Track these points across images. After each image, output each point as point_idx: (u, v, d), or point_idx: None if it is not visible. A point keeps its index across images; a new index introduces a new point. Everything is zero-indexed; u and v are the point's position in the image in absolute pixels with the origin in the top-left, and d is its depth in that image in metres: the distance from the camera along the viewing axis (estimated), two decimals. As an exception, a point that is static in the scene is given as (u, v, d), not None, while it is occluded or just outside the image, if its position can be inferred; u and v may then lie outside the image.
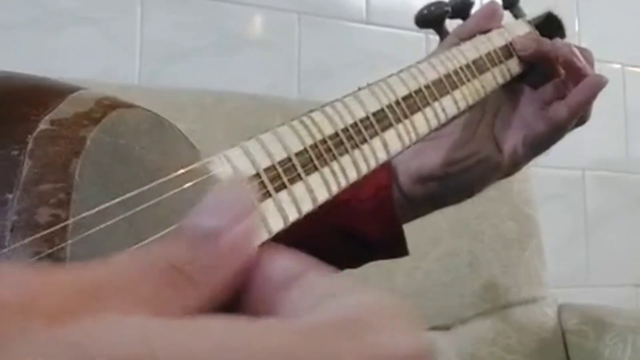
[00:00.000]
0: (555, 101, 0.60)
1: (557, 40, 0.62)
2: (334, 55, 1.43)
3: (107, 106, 0.24)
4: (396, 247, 0.61)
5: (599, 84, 0.59)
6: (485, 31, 0.61)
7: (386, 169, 0.59)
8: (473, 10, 0.64)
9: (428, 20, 0.62)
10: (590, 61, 0.61)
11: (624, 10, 1.80)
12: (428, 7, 0.62)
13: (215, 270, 0.18)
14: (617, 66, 1.78)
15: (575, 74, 0.59)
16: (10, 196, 0.20)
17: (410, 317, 0.17)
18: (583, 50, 0.61)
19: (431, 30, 0.65)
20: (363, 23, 1.47)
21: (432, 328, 1.25)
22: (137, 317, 0.16)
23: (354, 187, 0.52)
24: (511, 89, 0.62)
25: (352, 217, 0.59)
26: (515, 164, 0.62)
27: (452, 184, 0.60)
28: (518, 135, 0.61)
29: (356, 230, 0.59)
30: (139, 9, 1.26)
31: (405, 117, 0.46)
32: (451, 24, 0.63)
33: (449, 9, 0.62)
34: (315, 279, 0.19)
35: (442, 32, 0.62)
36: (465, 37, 0.60)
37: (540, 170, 1.56)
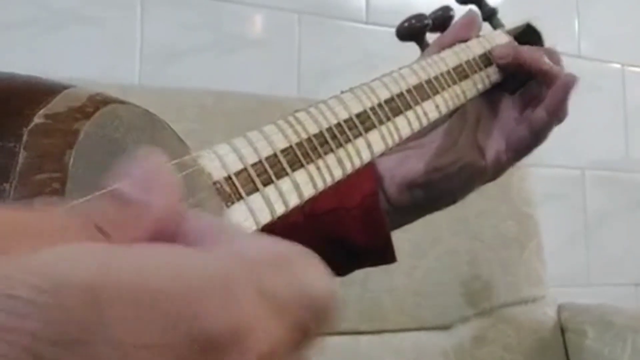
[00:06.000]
0: (533, 105, 0.62)
1: (530, 47, 0.64)
2: (334, 55, 1.43)
3: (100, 101, 0.25)
4: (384, 254, 0.62)
5: (570, 82, 0.61)
6: (464, 40, 0.62)
7: (372, 177, 0.61)
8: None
9: (409, 33, 0.63)
10: (555, 60, 0.63)
11: (624, 10, 1.80)
12: (409, 20, 0.63)
13: (131, 228, 0.19)
14: (617, 66, 1.78)
15: (547, 78, 0.61)
16: (6, 186, 0.21)
17: (324, 266, 0.21)
18: (550, 52, 0.63)
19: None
20: (363, 23, 1.48)
21: (431, 327, 1.26)
22: (91, 245, 0.17)
23: (341, 195, 0.53)
24: (490, 96, 0.63)
25: (340, 225, 0.60)
26: (499, 170, 0.63)
27: (437, 190, 0.61)
28: (500, 141, 0.62)
29: (343, 238, 0.60)
30: (139, 9, 1.27)
31: (388, 119, 0.47)
32: (432, 37, 0.64)
33: (430, 22, 0.63)
34: (239, 232, 0.21)
35: (423, 45, 0.63)
36: (445, 46, 0.61)
37: (540, 170, 1.57)
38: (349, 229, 0.60)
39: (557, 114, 0.61)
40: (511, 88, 0.64)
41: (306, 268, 0.20)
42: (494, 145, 0.62)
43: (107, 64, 1.24)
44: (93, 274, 0.16)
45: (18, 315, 0.15)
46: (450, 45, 0.61)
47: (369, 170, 0.53)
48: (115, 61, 1.25)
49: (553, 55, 0.63)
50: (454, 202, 0.63)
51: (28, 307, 0.15)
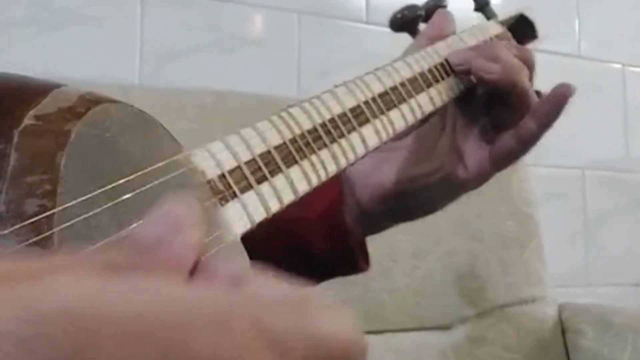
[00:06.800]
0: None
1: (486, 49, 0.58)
2: (334, 55, 1.43)
3: (90, 101, 0.25)
4: (350, 264, 0.58)
5: (566, 94, 0.55)
6: (444, 36, 0.59)
7: (337, 184, 0.57)
8: None
9: (402, 24, 0.63)
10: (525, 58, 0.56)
11: (624, 10, 1.80)
12: (402, 11, 0.63)
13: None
14: (617, 66, 1.78)
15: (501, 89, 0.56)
16: None
17: (349, 314, 0.19)
18: (523, 51, 0.58)
19: None
20: (363, 23, 1.48)
21: (431, 327, 1.26)
22: (87, 278, 0.17)
23: (304, 204, 0.51)
24: (467, 98, 0.59)
25: (302, 236, 0.57)
26: (482, 179, 0.58)
27: (413, 201, 0.57)
28: (483, 150, 0.57)
29: (306, 248, 0.57)
30: (139, 9, 1.27)
31: (382, 113, 0.46)
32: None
33: (422, 12, 0.63)
34: (257, 276, 0.20)
35: (415, 36, 0.63)
36: (429, 42, 0.58)
37: (540, 170, 1.57)
38: (310, 238, 0.57)
39: (549, 125, 0.55)
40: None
41: (321, 312, 0.19)
42: (476, 154, 0.57)
43: (107, 64, 1.24)
44: (81, 304, 0.15)
45: (4, 352, 0.14)
46: (432, 42, 0.58)
47: (334, 178, 0.50)
48: (115, 61, 1.25)
49: (525, 52, 0.57)
50: (431, 212, 0.59)
51: (8, 340, 0.14)
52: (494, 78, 0.54)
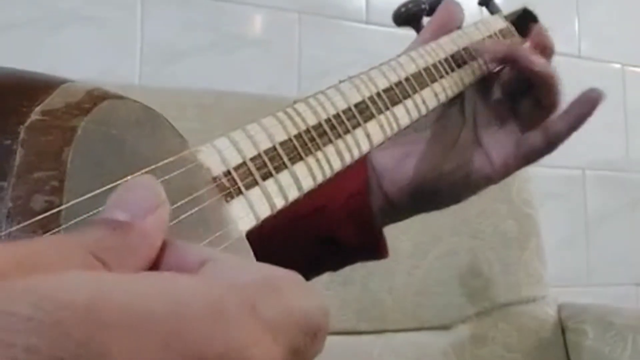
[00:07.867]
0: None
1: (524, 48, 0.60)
2: (334, 55, 1.43)
3: (97, 97, 0.25)
4: (374, 251, 0.60)
5: (599, 98, 0.57)
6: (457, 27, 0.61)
7: (361, 175, 0.59)
8: None
9: (406, 18, 0.63)
10: (547, 55, 0.59)
11: (624, 10, 1.81)
12: (406, 5, 0.63)
13: (127, 256, 0.20)
14: (617, 66, 1.78)
15: (539, 80, 0.58)
16: (4, 184, 0.21)
17: (312, 286, 0.21)
18: (542, 46, 0.60)
19: None
20: (363, 23, 1.48)
21: (432, 327, 1.26)
22: (90, 272, 0.18)
23: (328, 193, 0.52)
24: (489, 97, 0.60)
25: (329, 223, 0.59)
26: (506, 174, 0.60)
27: (439, 194, 0.60)
28: (508, 146, 0.59)
29: (333, 236, 0.59)
30: (139, 9, 1.27)
31: (387, 108, 0.46)
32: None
33: (426, 6, 0.62)
34: (227, 259, 0.22)
35: (419, 30, 0.63)
36: (434, 37, 0.59)
37: (540, 170, 1.57)
38: (338, 227, 0.59)
39: (579, 126, 0.58)
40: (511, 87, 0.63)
41: (296, 290, 0.20)
42: (501, 150, 0.59)
43: (107, 64, 1.24)
44: (91, 296, 0.16)
45: (16, 331, 0.15)
46: (436, 36, 0.59)
47: (358, 168, 0.51)
48: (115, 61, 1.25)
49: (545, 51, 0.60)
50: (457, 202, 0.61)
51: (26, 324, 0.15)
52: (541, 70, 0.56)
